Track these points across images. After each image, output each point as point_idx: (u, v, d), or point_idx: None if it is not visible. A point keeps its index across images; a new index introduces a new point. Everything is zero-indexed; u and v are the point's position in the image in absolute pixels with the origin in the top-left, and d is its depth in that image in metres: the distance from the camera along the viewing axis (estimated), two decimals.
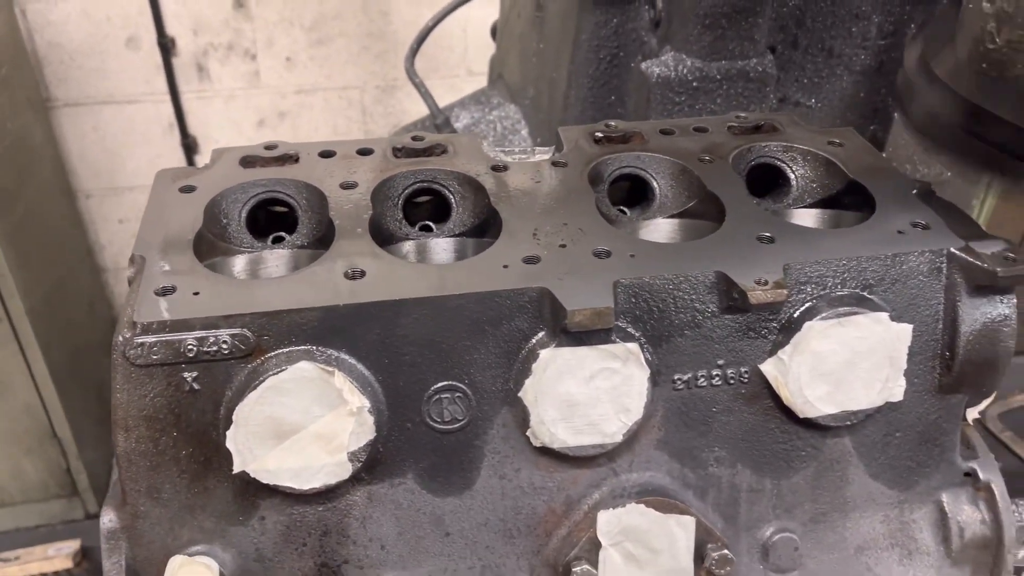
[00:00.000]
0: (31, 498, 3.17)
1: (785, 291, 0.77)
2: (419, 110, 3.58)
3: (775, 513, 0.87)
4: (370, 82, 3.48)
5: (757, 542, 0.87)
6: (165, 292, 0.75)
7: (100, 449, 3.38)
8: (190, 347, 0.73)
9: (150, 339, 0.72)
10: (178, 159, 3.53)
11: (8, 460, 3.08)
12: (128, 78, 3.34)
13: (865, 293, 0.82)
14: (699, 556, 0.83)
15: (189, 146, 3.48)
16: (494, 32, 2.39)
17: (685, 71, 1.61)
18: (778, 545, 0.87)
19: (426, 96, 2.15)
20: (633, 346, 0.78)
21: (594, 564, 0.81)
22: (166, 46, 3.26)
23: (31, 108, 3.11)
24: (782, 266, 0.80)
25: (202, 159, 3.53)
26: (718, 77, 1.62)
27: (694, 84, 1.62)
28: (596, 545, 0.81)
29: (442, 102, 2.11)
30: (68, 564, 2.93)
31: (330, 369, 0.73)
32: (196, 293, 0.75)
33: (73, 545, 2.97)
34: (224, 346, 0.73)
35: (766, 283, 0.78)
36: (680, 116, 1.58)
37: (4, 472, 3.09)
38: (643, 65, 1.65)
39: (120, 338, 0.72)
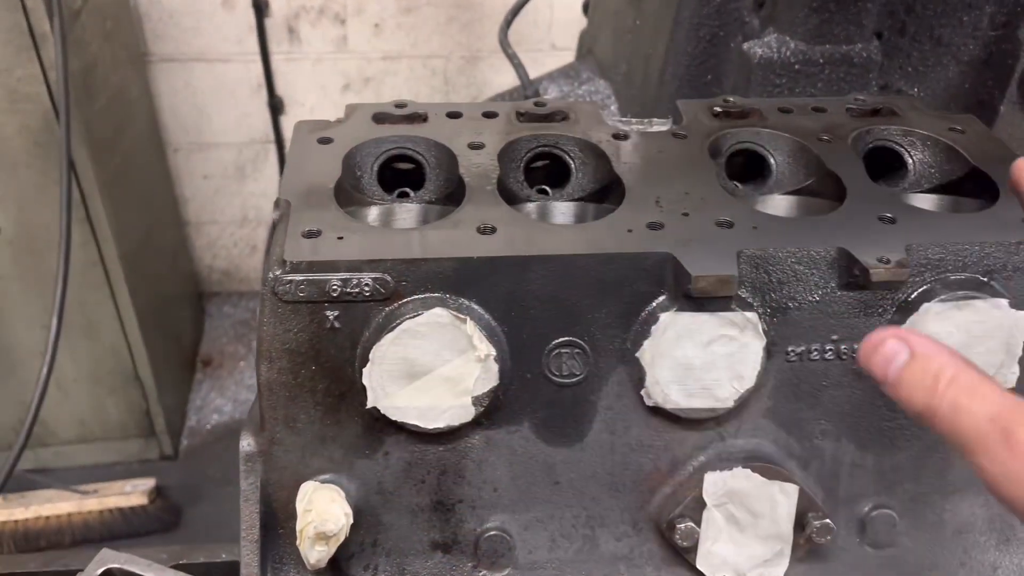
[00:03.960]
0: (111, 436, 3.32)
1: (907, 271, 0.79)
2: (501, 82, 3.61)
3: (875, 489, 0.89)
4: (455, 52, 3.51)
5: (855, 516, 0.89)
6: (311, 235, 0.80)
7: (177, 394, 3.53)
8: (334, 287, 0.77)
9: (298, 277, 0.77)
10: (264, 119, 3.62)
11: (91, 398, 3.23)
12: (221, 37, 3.44)
13: (985, 279, 0.83)
14: (799, 524, 0.85)
15: (275, 107, 3.56)
16: (586, 8, 2.40)
17: (788, 53, 1.60)
18: (876, 521, 0.88)
19: (518, 67, 2.17)
20: (752, 315, 0.80)
21: (697, 523, 0.84)
22: (260, 7, 3.33)
23: (131, 62, 3.22)
24: (904, 246, 0.81)
25: (287, 120, 3.61)
26: (821, 61, 1.61)
27: (796, 67, 1.61)
28: (700, 505, 0.84)
29: None
30: (144, 501, 3.07)
31: (462, 316, 0.77)
32: (340, 237, 0.80)
33: (149, 483, 3.11)
34: (366, 288, 0.77)
35: (888, 262, 0.79)
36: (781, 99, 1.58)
37: (87, 409, 3.25)
38: (745, 45, 1.65)
39: (271, 275, 0.77)
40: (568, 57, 2.43)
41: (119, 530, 3.01)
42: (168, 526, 3.12)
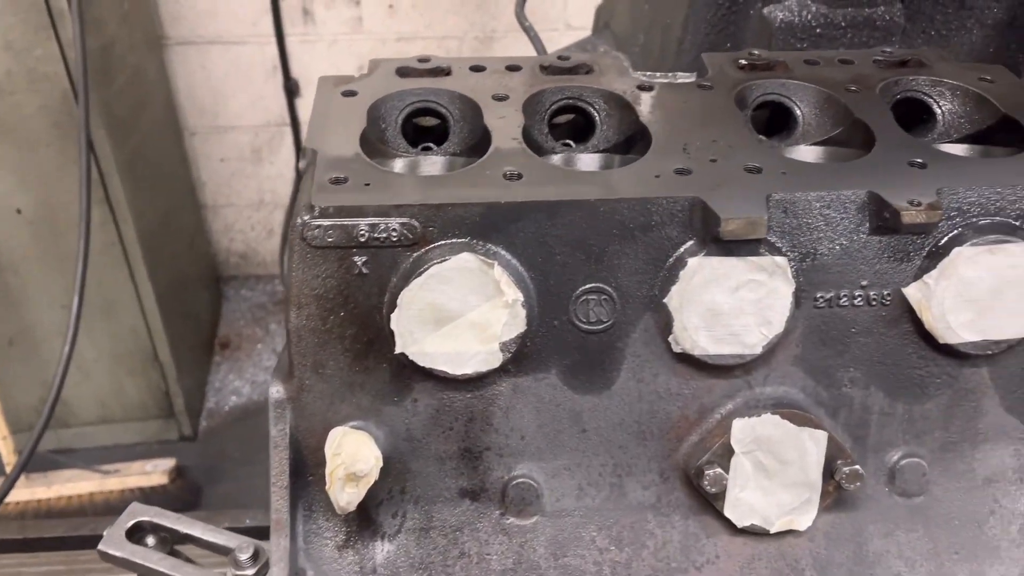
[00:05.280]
0: (131, 416, 3.35)
1: (940, 212, 0.78)
2: None
3: (904, 438, 0.88)
4: (469, 32, 3.50)
5: (884, 465, 0.89)
6: (338, 182, 0.80)
7: (196, 376, 3.55)
8: (362, 232, 0.77)
9: (327, 222, 0.77)
10: (279, 102, 3.62)
11: (112, 379, 3.25)
12: (237, 19, 3.44)
13: (1017, 223, 0.82)
14: (827, 471, 0.85)
15: (291, 89, 3.56)
16: None
17: (809, 17, 1.58)
18: (906, 469, 0.88)
19: (535, 40, 2.16)
20: (782, 260, 0.79)
21: (725, 469, 0.84)
22: None
23: (147, 44, 3.23)
24: (935, 190, 0.80)
25: (303, 103, 3.62)
26: (843, 24, 1.59)
27: (818, 31, 1.59)
28: (728, 452, 0.84)
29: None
30: (164, 480, 3.09)
31: (490, 262, 0.77)
32: (367, 184, 0.80)
33: (169, 463, 3.14)
34: (393, 233, 0.77)
35: (919, 204, 0.78)
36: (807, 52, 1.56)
37: (107, 390, 3.27)
38: (765, 10, 1.63)
39: (299, 220, 0.77)
40: (583, 36, 2.42)
41: None
42: (188, 505, 3.13)
